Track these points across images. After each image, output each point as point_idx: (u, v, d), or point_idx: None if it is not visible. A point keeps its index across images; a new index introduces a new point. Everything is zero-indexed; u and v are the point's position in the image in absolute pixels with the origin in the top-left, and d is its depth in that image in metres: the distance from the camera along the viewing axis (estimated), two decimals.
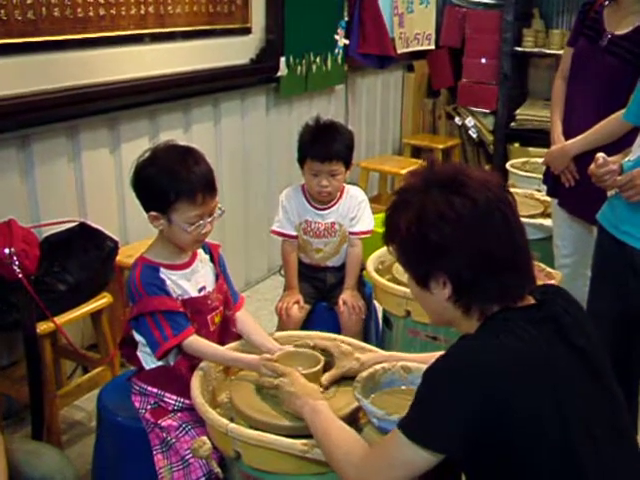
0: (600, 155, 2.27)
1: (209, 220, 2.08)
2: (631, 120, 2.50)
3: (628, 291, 2.31)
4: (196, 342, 2.07)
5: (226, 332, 2.26)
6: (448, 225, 1.47)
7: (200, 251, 2.22)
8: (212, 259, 2.26)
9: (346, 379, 2.02)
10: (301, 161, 2.86)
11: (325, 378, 2.01)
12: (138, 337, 2.14)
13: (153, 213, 2.06)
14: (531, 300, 1.55)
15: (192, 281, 2.15)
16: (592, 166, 2.29)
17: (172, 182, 2.01)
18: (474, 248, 1.46)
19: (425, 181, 1.55)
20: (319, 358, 2.05)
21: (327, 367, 2.05)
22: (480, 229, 1.47)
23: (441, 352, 1.53)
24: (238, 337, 2.26)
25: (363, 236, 2.94)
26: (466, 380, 1.40)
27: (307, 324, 2.89)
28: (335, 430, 1.67)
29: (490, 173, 1.59)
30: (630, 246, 2.25)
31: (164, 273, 2.10)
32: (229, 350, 2.14)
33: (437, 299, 1.55)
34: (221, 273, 2.27)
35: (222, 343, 2.19)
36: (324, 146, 2.77)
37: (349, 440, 1.63)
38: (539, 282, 1.63)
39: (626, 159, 2.32)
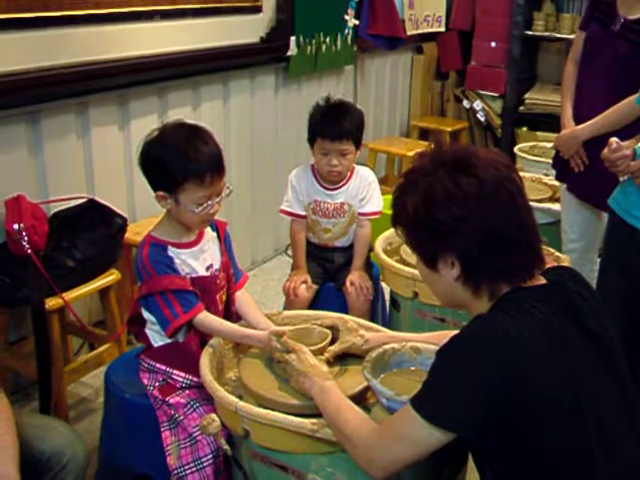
0: (614, 140, 2.26)
1: (217, 200, 2.06)
2: None
3: (638, 276, 2.31)
4: (207, 318, 2.07)
5: (230, 311, 2.27)
6: (455, 205, 1.47)
7: (208, 229, 2.21)
8: (219, 237, 2.26)
9: (354, 358, 2.03)
10: (311, 140, 2.85)
11: (328, 351, 2.01)
12: (147, 315, 2.14)
13: (160, 193, 2.04)
14: (542, 280, 1.55)
15: (200, 259, 2.15)
16: (605, 151, 2.28)
17: (181, 163, 1.98)
18: (481, 226, 1.46)
19: (432, 162, 1.54)
20: (327, 334, 2.06)
21: (333, 343, 2.06)
22: (487, 207, 1.47)
23: (445, 331, 1.52)
24: (240, 317, 2.26)
25: (372, 217, 2.93)
26: (482, 360, 1.40)
27: (314, 304, 2.89)
28: (344, 408, 1.67)
29: (498, 153, 1.58)
30: None
31: (172, 251, 2.09)
32: (240, 326, 2.14)
33: (446, 280, 1.55)
34: (226, 251, 2.26)
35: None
36: (334, 125, 2.76)
37: (358, 418, 1.64)
38: (548, 265, 1.62)
39: (639, 144, 2.31)
